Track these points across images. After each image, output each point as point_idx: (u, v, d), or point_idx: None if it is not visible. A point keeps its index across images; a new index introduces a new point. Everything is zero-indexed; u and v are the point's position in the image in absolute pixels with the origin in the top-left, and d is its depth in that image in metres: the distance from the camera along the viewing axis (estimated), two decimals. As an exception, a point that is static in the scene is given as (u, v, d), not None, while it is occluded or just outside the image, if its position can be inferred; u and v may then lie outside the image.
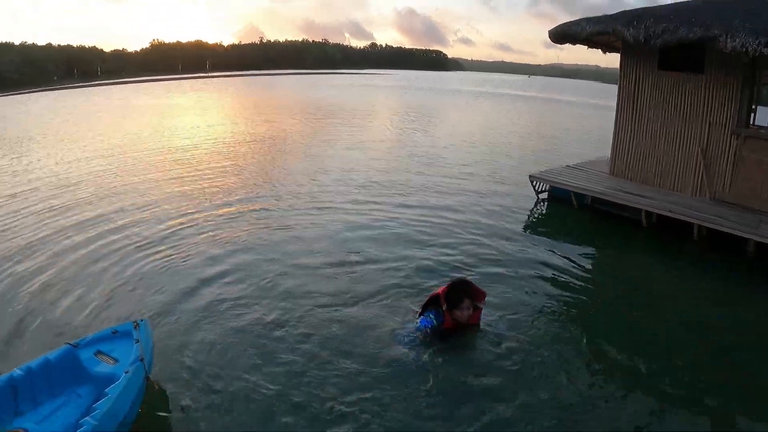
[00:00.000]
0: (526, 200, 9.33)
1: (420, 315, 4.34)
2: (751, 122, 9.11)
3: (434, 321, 4.17)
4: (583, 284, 5.84)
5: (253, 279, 5.52)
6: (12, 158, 12.88)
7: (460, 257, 6.31)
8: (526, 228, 7.96)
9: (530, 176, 9.46)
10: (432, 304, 4.28)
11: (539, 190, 9.45)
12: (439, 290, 4.25)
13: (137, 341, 3.45)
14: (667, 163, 8.50)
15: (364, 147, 14.88)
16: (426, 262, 6.06)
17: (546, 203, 9.30)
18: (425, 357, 4.02)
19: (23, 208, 8.15)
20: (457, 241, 6.90)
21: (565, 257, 6.56)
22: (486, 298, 4.35)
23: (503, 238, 7.11)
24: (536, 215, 8.85)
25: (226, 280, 5.51)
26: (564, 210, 8.86)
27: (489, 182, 10.67)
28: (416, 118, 24.51)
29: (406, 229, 7.32)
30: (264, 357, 4.07)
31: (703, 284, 6.16)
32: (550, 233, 7.80)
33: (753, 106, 9.05)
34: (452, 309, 4.14)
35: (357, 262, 6.03)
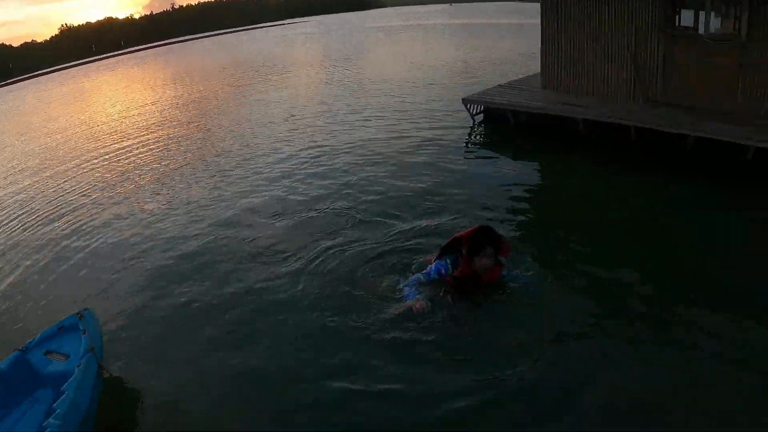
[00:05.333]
0: (462, 124, 9.18)
1: (435, 260, 3.91)
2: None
3: (450, 267, 3.77)
4: (536, 198, 6.08)
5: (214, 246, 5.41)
6: None
7: (405, 192, 6.27)
8: (467, 153, 7.99)
9: (463, 100, 9.28)
10: (450, 248, 3.83)
11: (474, 112, 9.31)
12: (463, 233, 3.78)
13: (84, 332, 3.30)
14: (598, 71, 8.44)
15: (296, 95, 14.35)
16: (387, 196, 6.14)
17: (483, 125, 9.20)
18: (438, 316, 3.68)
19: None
20: (400, 175, 6.91)
21: (510, 174, 6.75)
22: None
23: (446, 170, 7.03)
24: (475, 138, 8.78)
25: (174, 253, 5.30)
26: (502, 129, 8.82)
27: (423, 116, 10.17)
28: (342, 64, 22.46)
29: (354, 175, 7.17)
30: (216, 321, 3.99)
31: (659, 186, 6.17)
32: (490, 155, 7.86)
33: (677, 8, 9.03)
34: (472, 255, 3.67)
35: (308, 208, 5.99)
